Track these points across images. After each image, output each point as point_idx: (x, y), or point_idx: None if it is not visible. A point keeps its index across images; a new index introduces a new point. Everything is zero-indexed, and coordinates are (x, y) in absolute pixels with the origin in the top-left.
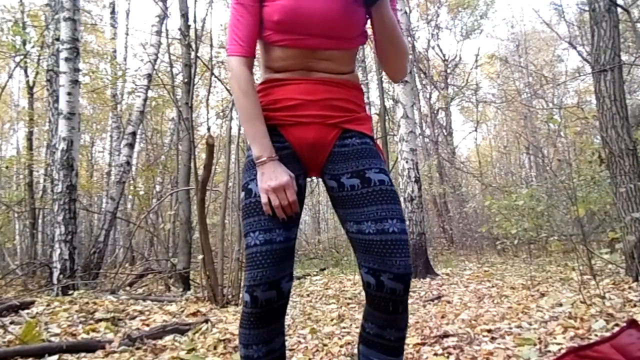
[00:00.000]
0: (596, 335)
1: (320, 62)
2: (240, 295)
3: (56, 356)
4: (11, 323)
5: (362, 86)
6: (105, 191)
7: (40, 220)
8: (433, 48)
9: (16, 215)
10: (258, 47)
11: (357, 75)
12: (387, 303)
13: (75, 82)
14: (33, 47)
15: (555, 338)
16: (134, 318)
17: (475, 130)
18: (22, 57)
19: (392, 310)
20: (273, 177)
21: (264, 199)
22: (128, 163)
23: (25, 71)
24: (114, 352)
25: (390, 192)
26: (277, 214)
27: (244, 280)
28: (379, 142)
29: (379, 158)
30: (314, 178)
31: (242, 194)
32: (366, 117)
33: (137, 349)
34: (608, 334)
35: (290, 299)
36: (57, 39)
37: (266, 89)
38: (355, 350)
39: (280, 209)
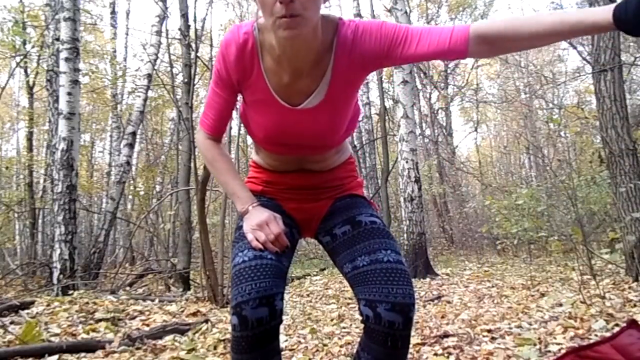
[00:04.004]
0: (596, 335)
1: (312, 164)
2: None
3: (56, 356)
4: (11, 323)
5: (362, 86)
6: (105, 191)
7: (40, 220)
8: None
9: (16, 215)
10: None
11: (347, 150)
12: (386, 338)
13: (75, 82)
14: (33, 47)
15: (555, 338)
16: (134, 318)
17: (475, 130)
18: (22, 57)
19: (390, 345)
20: (255, 217)
21: (250, 238)
22: (128, 163)
23: (25, 71)
24: (114, 352)
25: (382, 230)
26: (268, 249)
27: (231, 299)
28: (378, 142)
29: (370, 208)
30: None
31: (235, 233)
32: (357, 184)
33: (137, 349)
34: (608, 334)
35: (291, 299)
36: (57, 39)
37: (258, 167)
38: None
39: (268, 244)
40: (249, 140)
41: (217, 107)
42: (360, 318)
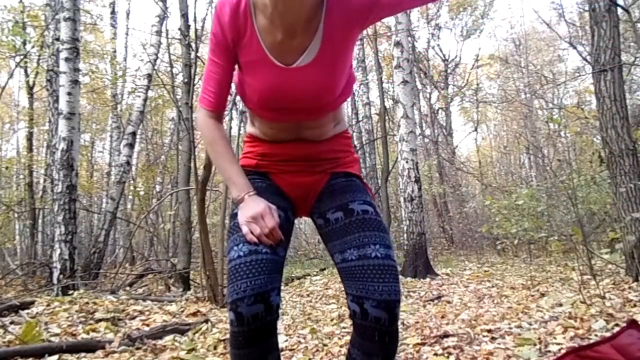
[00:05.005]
0: (596, 335)
1: (307, 131)
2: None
3: (56, 356)
4: (11, 323)
5: (362, 86)
6: (105, 191)
7: (40, 220)
8: (433, 48)
9: (16, 215)
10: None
11: (343, 121)
12: (373, 333)
13: (75, 82)
14: (33, 47)
15: (555, 338)
16: (134, 318)
17: (475, 130)
18: (22, 57)
19: (378, 340)
20: (250, 208)
21: (244, 230)
22: (128, 163)
23: (25, 71)
24: (114, 352)
25: (373, 221)
26: (263, 242)
27: (227, 296)
28: (378, 142)
29: (365, 192)
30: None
31: (229, 222)
32: (353, 160)
33: (137, 349)
34: (608, 334)
35: (291, 299)
36: (57, 39)
37: (254, 141)
38: None
39: (263, 237)
40: None
41: (217, 78)
42: (348, 313)
